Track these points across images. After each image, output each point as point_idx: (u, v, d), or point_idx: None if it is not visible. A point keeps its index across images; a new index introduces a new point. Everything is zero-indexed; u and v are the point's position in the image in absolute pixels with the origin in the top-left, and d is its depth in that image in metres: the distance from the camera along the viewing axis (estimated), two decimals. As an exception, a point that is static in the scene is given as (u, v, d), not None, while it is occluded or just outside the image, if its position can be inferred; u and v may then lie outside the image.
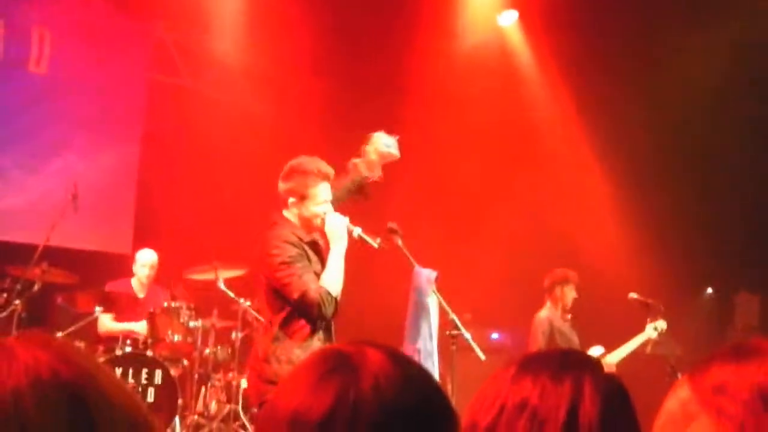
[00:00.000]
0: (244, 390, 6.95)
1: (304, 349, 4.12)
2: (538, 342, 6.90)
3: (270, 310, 4.28)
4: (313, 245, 4.37)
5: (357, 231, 4.40)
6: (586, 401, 1.35)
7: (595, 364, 1.44)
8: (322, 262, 4.35)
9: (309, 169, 4.34)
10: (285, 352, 4.15)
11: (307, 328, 4.22)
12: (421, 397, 1.11)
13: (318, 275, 4.27)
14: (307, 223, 4.37)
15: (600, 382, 1.38)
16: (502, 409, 1.36)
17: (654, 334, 6.93)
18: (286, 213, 4.38)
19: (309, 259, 4.28)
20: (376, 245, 4.46)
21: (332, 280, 4.24)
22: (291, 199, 4.34)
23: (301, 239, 4.28)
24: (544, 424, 1.33)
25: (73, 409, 0.66)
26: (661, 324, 6.94)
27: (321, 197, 4.34)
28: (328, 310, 4.19)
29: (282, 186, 4.38)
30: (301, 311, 4.18)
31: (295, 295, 4.13)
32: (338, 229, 4.33)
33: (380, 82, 8.91)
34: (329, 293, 4.18)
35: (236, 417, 6.69)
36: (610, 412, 1.36)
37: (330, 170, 4.40)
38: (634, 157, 8.85)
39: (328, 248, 4.38)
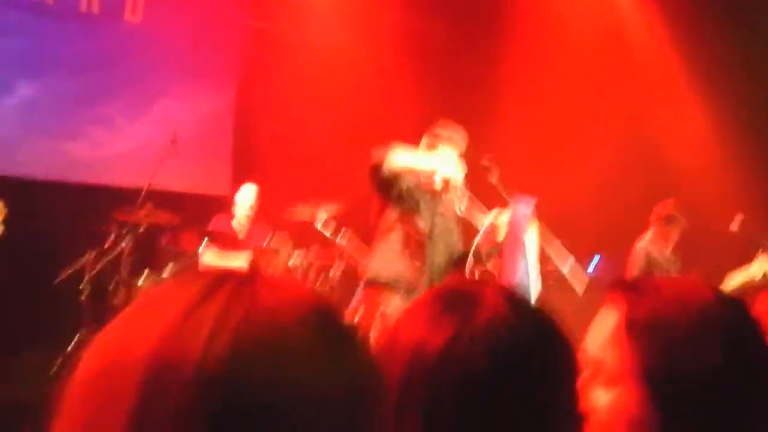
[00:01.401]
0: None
1: None
2: (631, 273, 6.81)
3: None
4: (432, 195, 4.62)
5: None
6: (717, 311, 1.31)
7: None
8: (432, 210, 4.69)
9: (440, 133, 4.75)
10: None
11: None
12: (537, 335, 1.13)
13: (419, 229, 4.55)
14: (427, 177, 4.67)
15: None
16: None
17: (760, 273, 6.69)
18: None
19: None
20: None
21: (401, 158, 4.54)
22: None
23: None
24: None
25: (333, 339, 0.71)
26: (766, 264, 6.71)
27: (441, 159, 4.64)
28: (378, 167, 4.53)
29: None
30: None
31: None
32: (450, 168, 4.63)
33: (478, 16, 8.81)
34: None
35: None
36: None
37: (461, 139, 4.75)
38: (735, 79, 8.54)
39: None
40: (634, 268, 6.84)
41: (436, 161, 4.63)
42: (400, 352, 1.11)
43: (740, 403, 1.26)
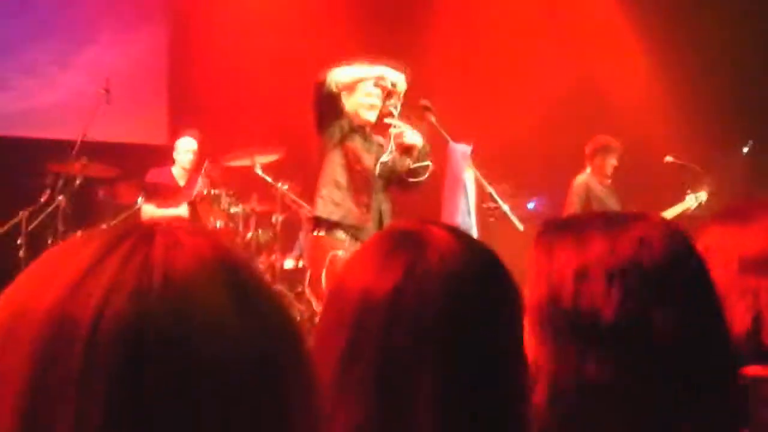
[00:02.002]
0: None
1: None
2: (573, 205, 6.97)
3: None
4: (363, 132, 4.72)
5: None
6: (653, 252, 1.30)
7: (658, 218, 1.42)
8: (372, 152, 4.77)
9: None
10: None
11: None
12: (486, 270, 1.15)
13: (363, 164, 4.67)
14: (355, 116, 4.75)
15: (663, 228, 1.35)
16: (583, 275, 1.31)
17: (694, 205, 6.90)
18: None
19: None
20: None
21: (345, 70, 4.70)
22: (344, 92, 4.72)
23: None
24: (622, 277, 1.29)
25: (239, 293, 0.68)
26: (702, 196, 6.91)
27: (365, 91, 4.73)
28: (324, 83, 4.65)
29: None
30: None
31: None
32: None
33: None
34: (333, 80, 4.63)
35: (283, 296, 6.85)
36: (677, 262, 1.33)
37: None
38: (668, 17, 8.63)
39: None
40: (573, 202, 6.98)
41: (380, 68, 4.74)
42: (350, 298, 1.11)
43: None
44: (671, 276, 1.31)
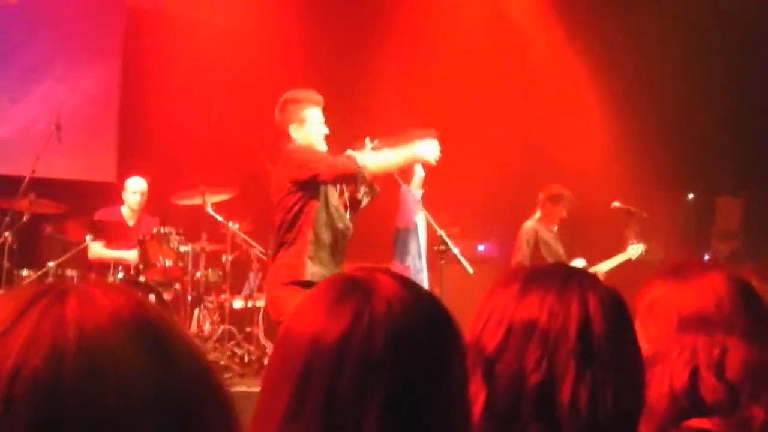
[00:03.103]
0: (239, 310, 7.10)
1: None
2: (522, 251, 7.05)
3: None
4: None
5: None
6: (593, 319, 1.39)
7: (596, 279, 1.48)
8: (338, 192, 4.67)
9: (300, 98, 4.62)
10: None
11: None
12: (431, 319, 1.17)
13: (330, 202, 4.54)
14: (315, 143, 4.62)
15: (604, 298, 1.42)
16: (510, 331, 1.40)
17: (635, 257, 7.04)
18: (288, 146, 4.61)
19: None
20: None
21: (379, 159, 4.53)
22: (292, 125, 4.57)
23: None
24: (556, 345, 1.37)
25: (152, 345, 0.70)
26: (643, 248, 7.05)
27: (316, 120, 4.60)
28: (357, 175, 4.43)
29: (279, 117, 4.64)
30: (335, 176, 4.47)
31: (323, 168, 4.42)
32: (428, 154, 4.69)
33: (369, 11, 8.83)
34: (365, 166, 4.42)
35: (230, 336, 6.81)
36: (616, 327, 1.41)
37: (320, 97, 4.64)
38: (620, 67, 8.84)
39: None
40: (522, 246, 7.06)
41: (411, 151, 4.66)
42: (298, 343, 1.13)
43: None
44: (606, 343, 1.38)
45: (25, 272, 6.54)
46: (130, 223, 7.18)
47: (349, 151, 4.54)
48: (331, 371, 1.10)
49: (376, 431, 1.08)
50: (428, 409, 1.12)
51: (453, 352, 1.17)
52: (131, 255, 6.81)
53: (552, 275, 1.47)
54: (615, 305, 1.43)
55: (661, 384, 1.67)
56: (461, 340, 1.20)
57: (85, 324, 0.67)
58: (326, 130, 4.62)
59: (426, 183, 4.97)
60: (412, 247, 4.65)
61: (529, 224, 7.19)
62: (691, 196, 10.31)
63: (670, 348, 1.70)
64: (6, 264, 6.45)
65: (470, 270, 4.75)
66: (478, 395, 1.36)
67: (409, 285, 1.18)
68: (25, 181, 6.58)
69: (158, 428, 0.67)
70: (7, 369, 0.64)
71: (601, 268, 6.98)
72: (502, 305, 1.44)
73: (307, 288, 4.31)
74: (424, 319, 1.15)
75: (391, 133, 4.85)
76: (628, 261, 7.05)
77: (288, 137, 4.59)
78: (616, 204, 7.20)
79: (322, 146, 4.63)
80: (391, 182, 4.84)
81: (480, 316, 1.45)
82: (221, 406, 0.75)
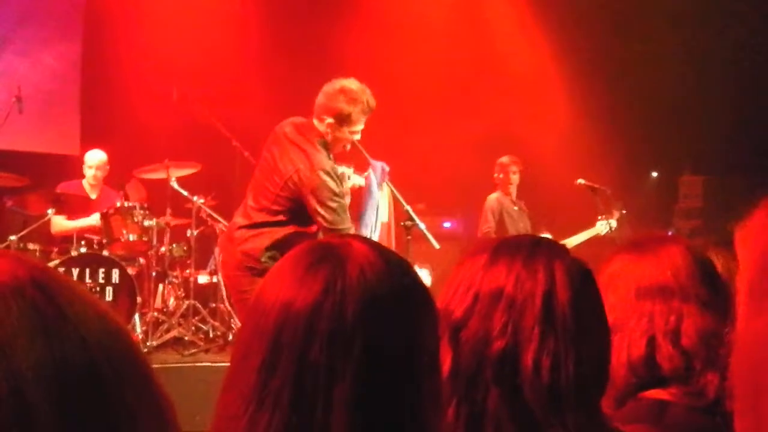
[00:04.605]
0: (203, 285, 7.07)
1: None
2: (488, 222, 7.22)
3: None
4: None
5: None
6: (558, 287, 1.40)
7: (563, 249, 1.50)
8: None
9: (361, 99, 4.35)
10: None
11: None
12: (404, 284, 1.17)
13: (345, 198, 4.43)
14: (335, 143, 4.42)
15: (570, 268, 1.44)
16: (477, 298, 1.42)
17: (603, 232, 7.10)
18: (317, 123, 4.39)
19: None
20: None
21: None
22: (329, 119, 4.33)
23: (334, 170, 4.38)
24: (521, 312, 1.39)
25: (40, 305, 0.69)
26: (613, 223, 7.11)
27: (355, 129, 4.39)
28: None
29: (323, 101, 4.37)
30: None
31: (330, 226, 4.23)
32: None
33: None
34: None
35: (195, 312, 6.78)
36: (581, 297, 1.42)
37: (374, 105, 4.41)
38: (584, 45, 8.89)
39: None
40: (488, 218, 7.21)
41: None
42: (270, 310, 1.12)
43: None
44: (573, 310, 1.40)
45: (-17, 246, 6.45)
46: (92, 196, 7.11)
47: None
48: (302, 339, 1.09)
49: (347, 400, 1.08)
50: (400, 377, 1.12)
51: (425, 320, 1.18)
52: (93, 220, 6.73)
53: (520, 245, 1.49)
54: (581, 275, 1.45)
55: (620, 353, 1.71)
56: (434, 308, 1.21)
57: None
58: (357, 139, 4.45)
59: (391, 160, 4.96)
60: (369, 219, 4.62)
61: (493, 196, 7.39)
62: (654, 174, 10.42)
63: (628, 317, 1.75)
64: (-34, 237, 6.38)
65: (436, 245, 4.76)
66: (444, 360, 1.37)
67: (383, 252, 1.18)
68: (-14, 153, 6.50)
69: (60, 402, 0.66)
70: None
71: (569, 242, 7.05)
72: (470, 273, 1.45)
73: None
74: (398, 287, 1.15)
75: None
76: (595, 237, 7.11)
77: (317, 118, 4.39)
78: (580, 181, 7.26)
79: (339, 149, 4.49)
80: (361, 158, 4.82)
81: (449, 285, 1.47)
82: (136, 374, 0.73)
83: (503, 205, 7.33)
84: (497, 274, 1.43)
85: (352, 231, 4.28)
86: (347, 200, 4.44)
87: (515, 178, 7.46)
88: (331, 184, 4.27)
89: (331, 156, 4.45)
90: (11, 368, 0.65)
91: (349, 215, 4.35)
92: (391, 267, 1.17)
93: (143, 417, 0.71)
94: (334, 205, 4.24)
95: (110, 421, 0.69)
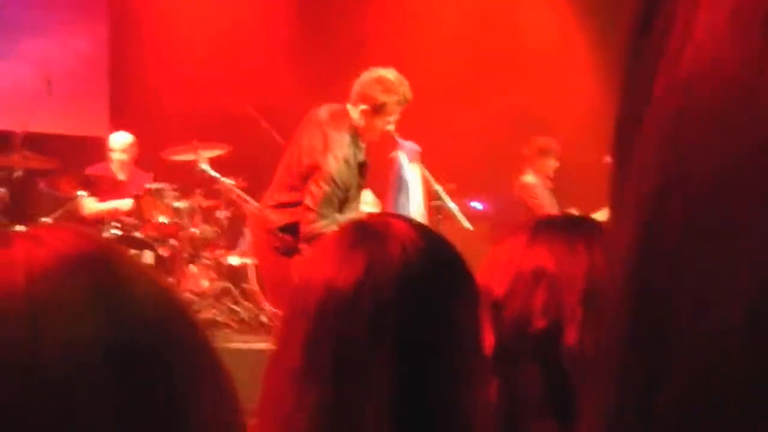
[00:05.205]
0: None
1: None
2: (541, 205, 7.00)
3: None
4: (363, 164, 4.50)
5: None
6: (599, 265, 1.38)
7: (603, 228, 1.49)
8: (363, 178, 4.53)
9: (397, 90, 4.38)
10: None
11: None
12: (445, 261, 1.19)
13: (350, 198, 4.42)
14: (368, 131, 4.44)
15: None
16: (518, 277, 1.41)
17: None
18: (351, 109, 4.42)
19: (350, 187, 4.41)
20: None
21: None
22: (363, 106, 4.36)
23: (356, 164, 4.40)
24: (563, 291, 1.38)
25: (107, 283, 0.69)
26: None
27: (389, 119, 4.42)
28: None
29: (359, 88, 4.41)
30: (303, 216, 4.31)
31: (310, 205, 4.26)
32: None
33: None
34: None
35: (227, 293, 6.83)
36: None
37: (410, 97, 4.46)
38: (612, 23, 8.76)
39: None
40: (536, 200, 7.04)
41: None
42: (313, 289, 1.14)
43: None
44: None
45: (19, 228, 6.51)
46: (121, 177, 7.15)
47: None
48: (345, 317, 1.11)
49: (387, 377, 1.09)
50: (440, 355, 1.13)
51: (466, 299, 1.18)
52: (125, 203, 6.79)
53: (560, 224, 1.49)
54: None
55: None
56: (475, 288, 1.21)
57: (33, 266, 0.67)
58: (391, 129, 4.49)
59: (419, 140, 4.94)
60: (401, 200, 4.63)
61: (531, 179, 7.21)
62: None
63: None
64: (0, 220, 6.44)
65: (468, 226, 4.76)
66: (486, 339, 1.37)
67: (423, 231, 1.19)
68: (18, 136, 6.55)
69: (111, 379, 0.66)
70: None
71: (600, 216, 6.98)
72: (510, 253, 1.45)
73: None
74: (438, 265, 1.16)
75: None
76: None
77: (352, 105, 4.42)
78: (608, 159, 7.18)
79: (371, 137, 4.51)
80: (388, 141, 4.80)
81: (489, 264, 1.47)
82: (199, 348, 0.73)
83: (541, 186, 7.22)
84: (538, 252, 1.42)
85: (330, 222, 4.22)
86: (351, 194, 4.45)
87: (553, 166, 7.31)
88: (335, 168, 4.28)
89: (362, 144, 4.46)
90: (74, 344, 0.65)
91: (335, 206, 4.32)
92: (432, 245, 1.18)
93: (206, 396, 0.72)
94: (326, 188, 4.26)
95: (174, 401, 0.69)
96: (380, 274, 1.12)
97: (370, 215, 1.24)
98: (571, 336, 1.37)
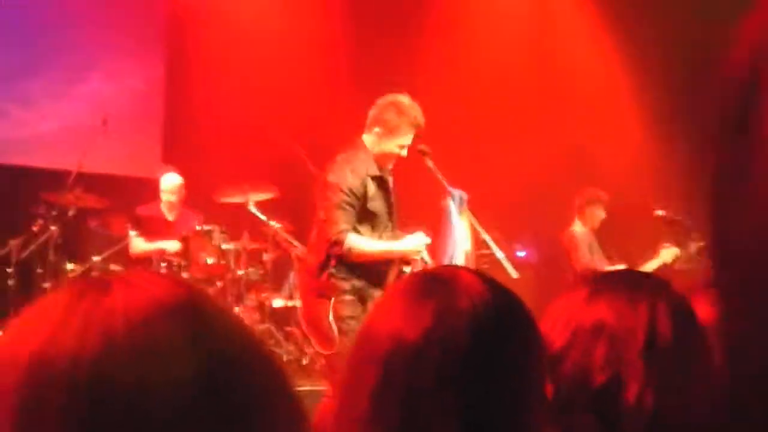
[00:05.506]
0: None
1: None
2: (585, 256, 7.01)
3: None
4: (380, 180, 4.57)
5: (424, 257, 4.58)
6: (660, 321, 1.40)
7: (665, 283, 1.50)
8: (386, 198, 4.59)
9: (407, 112, 4.52)
10: None
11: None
12: (512, 313, 1.19)
13: (375, 212, 4.50)
14: (382, 157, 4.56)
15: (672, 302, 1.44)
16: (577, 330, 1.42)
17: (669, 260, 6.97)
18: (366, 137, 4.57)
19: (366, 195, 4.48)
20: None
21: (367, 247, 4.43)
22: (377, 129, 4.52)
23: (365, 176, 4.47)
24: (624, 346, 1.39)
25: (200, 329, 0.73)
26: (673, 252, 6.98)
27: (404, 141, 4.52)
28: (341, 256, 4.38)
29: (374, 112, 4.57)
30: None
31: (323, 216, 4.44)
32: (414, 248, 4.52)
33: (408, 10, 8.85)
34: (350, 249, 4.35)
35: (271, 335, 6.86)
36: (684, 330, 1.42)
37: (422, 122, 4.55)
38: (661, 69, 8.73)
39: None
40: (584, 252, 7.03)
41: (398, 246, 4.57)
42: (380, 340, 1.15)
43: None
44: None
45: (70, 266, 6.63)
46: (170, 218, 7.24)
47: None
48: (412, 368, 1.12)
49: (453, 425, 1.10)
50: (505, 404, 1.14)
51: (532, 349, 1.19)
52: (171, 245, 6.87)
53: (621, 279, 1.50)
54: (683, 308, 1.45)
55: None
56: (540, 340, 1.22)
57: (132, 312, 0.71)
58: (404, 154, 4.58)
59: (465, 185, 4.97)
60: (448, 248, 4.66)
61: (579, 229, 7.19)
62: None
63: None
64: (52, 258, 6.56)
65: (515, 274, 4.75)
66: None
67: (491, 284, 1.20)
68: (72, 175, 6.69)
69: (210, 413, 0.70)
70: (66, 361, 0.68)
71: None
72: (570, 307, 1.46)
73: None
74: (506, 317, 1.17)
75: (433, 131, 4.82)
76: (664, 265, 6.96)
77: (367, 130, 4.57)
78: (660, 212, 7.13)
79: (387, 163, 4.61)
80: (435, 184, 4.82)
81: (548, 318, 1.48)
82: (282, 391, 0.77)
83: (589, 239, 7.20)
84: (598, 308, 1.43)
85: (342, 230, 4.35)
86: (376, 209, 4.52)
87: (601, 216, 7.29)
88: (340, 178, 4.43)
89: (383, 170, 4.59)
90: (174, 385, 0.69)
91: (349, 218, 4.41)
92: (499, 297, 1.19)
93: (284, 427, 0.76)
94: (333, 197, 4.41)
95: (258, 429, 0.74)
96: (448, 325, 1.12)
97: (440, 267, 1.24)
98: (631, 391, 1.37)
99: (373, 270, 4.48)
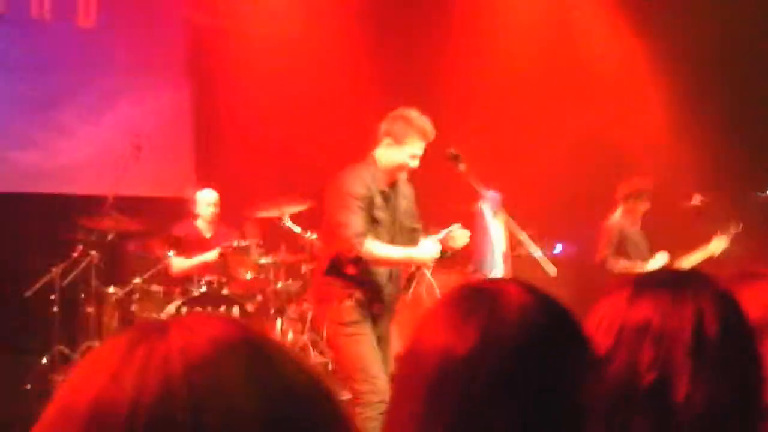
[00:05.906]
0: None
1: None
2: (605, 249, 6.93)
3: None
4: (384, 194, 4.64)
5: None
6: (707, 319, 1.40)
7: (709, 280, 1.49)
8: (389, 208, 4.68)
9: (415, 123, 4.62)
10: None
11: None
12: (560, 327, 1.19)
13: (380, 221, 4.59)
14: (393, 168, 4.66)
15: (717, 298, 1.43)
16: (622, 331, 1.42)
17: (718, 250, 6.89)
18: (377, 151, 4.68)
19: (373, 204, 4.58)
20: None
21: (384, 253, 4.54)
22: (387, 140, 4.63)
23: (371, 187, 4.58)
24: (670, 345, 1.39)
25: (259, 368, 0.74)
26: (723, 243, 6.90)
27: (413, 151, 4.61)
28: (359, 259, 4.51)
29: (384, 126, 4.68)
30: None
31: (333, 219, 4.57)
32: (427, 256, 4.60)
33: (429, 11, 8.86)
34: (369, 252, 4.46)
35: (314, 345, 6.89)
36: (730, 327, 1.41)
37: (431, 133, 4.63)
38: (690, 62, 8.64)
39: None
40: (606, 244, 6.96)
41: (414, 254, 4.66)
42: (428, 357, 1.15)
43: None
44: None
45: (111, 289, 6.70)
46: (207, 235, 7.30)
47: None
48: (463, 385, 1.12)
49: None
50: (558, 414, 1.14)
51: (581, 360, 1.19)
52: (211, 254, 6.92)
53: (663, 278, 1.49)
54: (729, 305, 1.44)
55: None
56: (589, 348, 1.22)
57: (190, 354, 0.72)
58: (416, 166, 4.65)
59: (498, 184, 4.98)
60: (493, 253, 4.67)
61: (614, 221, 7.11)
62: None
63: None
64: (94, 282, 6.64)
65: (553, 272, 4.73)
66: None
67: (538, 295, 1.20)
68: (108, 200, 6.77)
69: None
70: (125, 407, 0.69)
71: (688, 262, 6.86)
72: (614, 308, 1.45)
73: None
74: (554, 330, 1.17)
75: (459, 135, 4.85)
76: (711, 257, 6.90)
77: (378, 143, 4.67)
78: (696, 199, 7.06)
79: (400, 175, 4.68)
80: (467, 188, 4.83)
81: (592, 320, 1.47)
82: (342, 428, 0.78)
83: (624, 231, 7.06)
84: (642, 307, 1.43)
85: (360, 232, 4.44)
86: (380, 216, 4.61)
87: (644, 208, 7.17)
88: (342, 182, 4.57)
89: (396, 180, 4.69)
90: (230, 415, 0.70)
91: (364, 222, 4.50)
92: (547, 308, 1.18)
93: None
94: (337, 200, 4.54)
95: None
96: (497, 341, 1.13)
97: (485, 280, 1.24)
98: (680, 391, 1.37)
99: (373, 281, 4.60)
